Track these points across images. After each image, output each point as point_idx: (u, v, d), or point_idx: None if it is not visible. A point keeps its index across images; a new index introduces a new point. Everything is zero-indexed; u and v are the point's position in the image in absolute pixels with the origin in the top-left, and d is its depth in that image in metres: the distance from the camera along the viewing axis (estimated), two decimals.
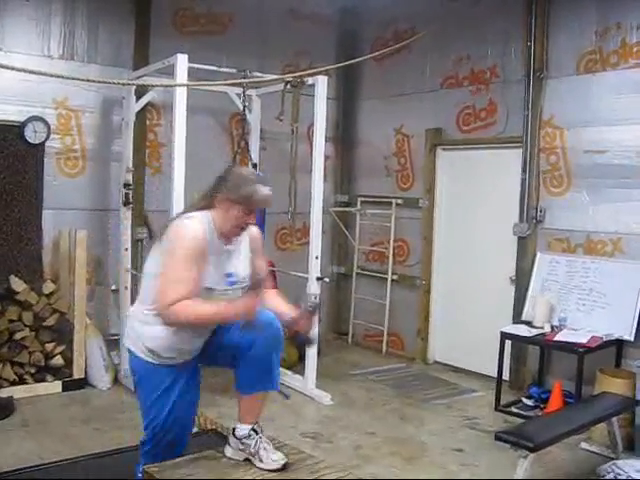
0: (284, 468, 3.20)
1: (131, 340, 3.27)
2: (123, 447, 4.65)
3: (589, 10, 5.88)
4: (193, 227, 3.06)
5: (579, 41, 5.95)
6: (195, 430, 5.09)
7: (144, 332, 3.18)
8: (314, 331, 3.43)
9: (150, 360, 3.19)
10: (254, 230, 3.39)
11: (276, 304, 3.44)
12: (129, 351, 3.30)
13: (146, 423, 3.38)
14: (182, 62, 5.28)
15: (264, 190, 3.15)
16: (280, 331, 3.30)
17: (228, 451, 3.32)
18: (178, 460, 3.28)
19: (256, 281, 3.06)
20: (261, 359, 3.24)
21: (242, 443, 3.25)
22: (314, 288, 6.03)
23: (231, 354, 3.23)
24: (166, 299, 2.95)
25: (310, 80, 6.02)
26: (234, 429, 3.31)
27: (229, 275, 3.18)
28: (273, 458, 3.22)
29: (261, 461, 3.21)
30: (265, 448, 3.24)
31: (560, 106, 6.09)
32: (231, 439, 3.31)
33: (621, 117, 5.66)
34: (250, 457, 3.25)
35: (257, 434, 3.26)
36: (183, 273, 2.97)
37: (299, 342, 3.46)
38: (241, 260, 3.28)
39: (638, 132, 5.56)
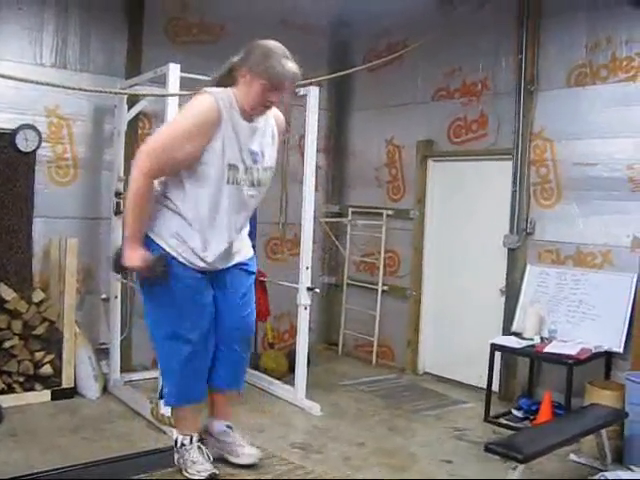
0: (258, 462, 3.26)
1: (155, 232, 3.05)
2: (112, 457, 4.61)
3: (580, 24, 5.92)
4: (205, 102, 2.91)
5: (570, 54, 5.99)
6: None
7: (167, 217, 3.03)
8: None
9: (175, 255, 3.02)
10: (278, 112, 3.23)
11: None
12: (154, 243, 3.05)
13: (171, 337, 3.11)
14: (174, 71, 5.28)
15: (290, 65, 2.96)
16: (252, 334, 3.36)
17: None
18: (166, 470, 3.26)
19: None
20: (240, 358, 3.31)
21: (219, 440, 3.29)
22: (305, 298, 6.02)
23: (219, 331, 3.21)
24: (145, 164, 2.86)
25: (302, 91, 6.04)
26: (207, 428, 3.34)
27: (254, 153, 3.03)
28: (248, 452, 3.26)
29: (237, 456, 3.25)
30: (240, 444, 3.28)
31: (550, 119, 6.13)
32: (207, 438, 3.32)
33: (611, 130, 5.71)
34: (226, 454, 3.28)
35: (232, 430, 3.31)
36: (176, 144, 2.86)
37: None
38: (268, 141, 3.13)
39: (627, 145, 5.61)
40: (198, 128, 2.87)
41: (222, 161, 2.93)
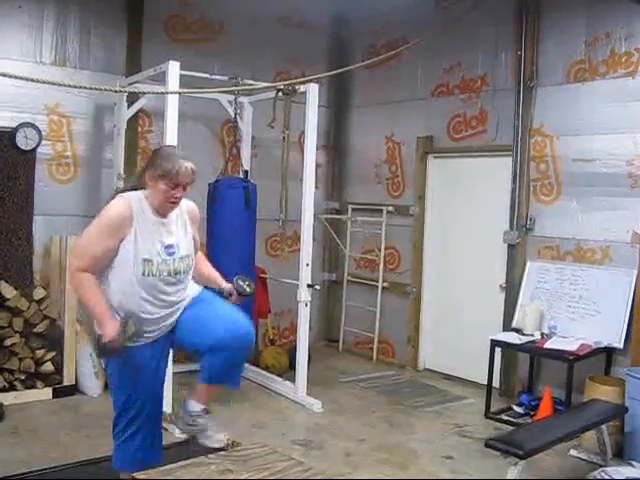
0: (226, 448, 3.49)
1: None
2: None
3: (579, 20, 5.93)
4: (117, 204, 3.31)
5: (569, 50, 6.00)
6: (184, 437, 5.10)
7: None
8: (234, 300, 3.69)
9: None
10: (191, 205, 3.60)
11: (207, 271, 3.78)
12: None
13: (121, 402, 3.51)
14: (174, 69, 5.29)
15: (184, 164, 3.32)
16: (252, 337, 3.51)
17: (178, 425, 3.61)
18: (167, 467, 3.28)
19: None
20: (234, 357, 3.43)
21: (193, 420, 3.50)
22: (305, 295, 6.03)
23: (204, 337, 3.41)
24: (72, 264, 3.32)
25: (302, 88, 6.04)
26: (185, 403, 3.56)
27: (169, 247, 3.37)
28: (218, 438, 3.52)
29: (207, 438, 3.51)
30: (212, 428, 3.54)
31: (550, 115, 6.13)
32: (182, 412, 3.56)
33: (610, 126, 5.71)
34: (197, 434, 3.52)
35: (207, 414, 3.54)
36: (93, 244, 3.27)
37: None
38: (181, 233, 3.46)
39: (627, 141, 5.61)
40: (111, 226, 3.27)
41: (136, 255, 3.28)
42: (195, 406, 3.51)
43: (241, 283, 3.69)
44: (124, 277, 3.30)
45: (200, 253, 3.79)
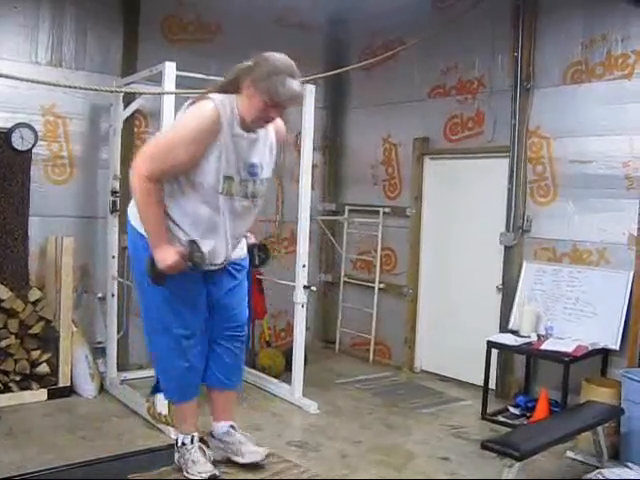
0: (266, 458, 3.25)
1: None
2: (109, 456, 4.61)
3: (575, 21, 5.93)
4: (209, 109, 2.87)
5: (565, 52, 6.00)
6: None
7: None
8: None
9: None
10: (279, 123, 3.20)
11: None
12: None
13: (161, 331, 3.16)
14: (170, 70, 5.27)
15: (293, 85, 2.90)
16: (242, 331, 3.38)
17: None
18: (162, 469, 3.27)
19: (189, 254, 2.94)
20: (234, 356, 3.33)
21: (222, 441, 3.29)
22: (301, 296, 6.02)
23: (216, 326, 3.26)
24: (143, 166, 2.87)
25: None
26: (211, 431, 3.36)
27: (252, 165, 3.03)
28: (252, 450, 3.27)
29: (241, 455, 3.25)
30: (243, 442, 3.29)
31: (547, 116, 6.13)
32: (211, 440, 3.34)
33: (606, 128, 5.71)
34: (231, 454, 3.28)
35: (236, 430, 3.32)
36: (174, 150, 2.86)
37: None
38: (266, 152, 3.12)
39: (623, 143, 5.61)
40: (198, 135, 2.85)
41: (218, 171, 2.93)
42: (219, 427, 3.33)
43: (255, 253, 3.40)
44: (200, 193, 2.95)
45: None
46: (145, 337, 3.27)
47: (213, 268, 3.14)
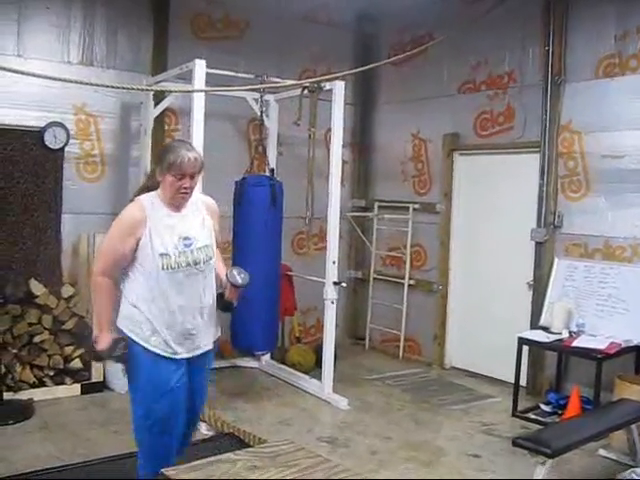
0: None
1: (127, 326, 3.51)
2: None
3: (608, 14, 5.85)
4: (130, 208, 3.47)
5: (598, 45, 5.92)
6: (212, 434, 5.14)
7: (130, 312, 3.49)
8: (234, 301, 3.71)
9: (150, 348, 3.44)
10: (209, 200, 3.73)
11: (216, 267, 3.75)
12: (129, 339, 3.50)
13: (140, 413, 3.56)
14: (200, 67, 5.32)
15: (187, 154, 3.40)
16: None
17: None
18: (195, 463, 3.29)
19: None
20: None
21: None
22: (331, 293, 6.03)
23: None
24: (95, 268, 3.50)
25: (327, 85, 6.04)
26: None
27: (186, 238, 3.46)
28: None
29: None
30: None
31: (578, 111, 6.06)
32: None
33: None
34: None
35: None
36: (111, 247, 3.44)
37: (220, 305, 3.70)
38: (197, 224, 3.54)
39: None
40: (125, 229, 3.40)
41: (152, 252, 3.38)
42: None
43: (235, 273, 3.62)
44: (147, 275, 3.41)
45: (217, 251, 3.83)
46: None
47: (198, 352, 3.58)
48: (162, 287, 3.41)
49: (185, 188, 3.43)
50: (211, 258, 3.57)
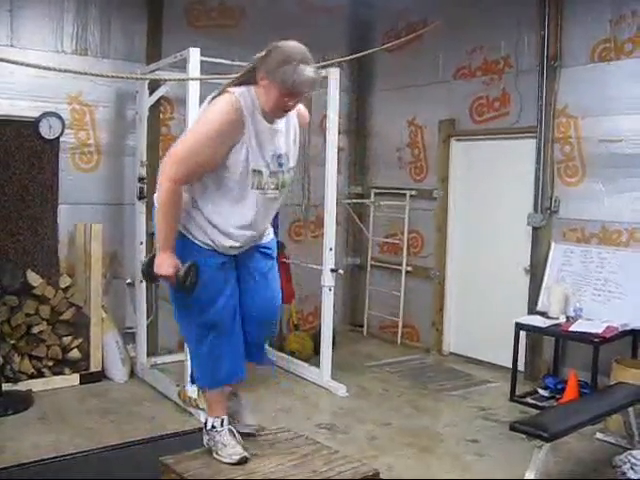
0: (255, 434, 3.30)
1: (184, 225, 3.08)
2: (140, 439, 4.70)
3: None
4: (229, 105, 2.89)
5: (593, 29, 5.90)
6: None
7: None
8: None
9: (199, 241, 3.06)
10: (301, 108, 3.23)
11: None
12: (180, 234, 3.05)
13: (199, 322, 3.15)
14: (195, 56, 5.29)
15: (306, 72, 2.88)
16: (274, 317, 3.43)
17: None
18: (194, 451, 3.30)
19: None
20: (258, 341, 3.43)
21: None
22: (328, 280, 6.04)
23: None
24: (168, 170, 2.88)
25: (323, 72, 6.01)
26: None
27: (279, 156, 3.04)
28: (248, 422, 3.36)
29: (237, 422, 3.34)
30: (242, 412, 3.36)
31: (574, 95, 6.05)
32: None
33: (636, 106, 5.62)
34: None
35: (236, 397, 3.37)
36: (199, 151, 2.86)
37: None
38: (290, 141, 3.12)
39: None
40: (222, 130, 2.86)
41: (246, 166, 2.94)
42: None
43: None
44: (230, 189, 2.97)
45: None
46: (178, 325, 3.29)
47: (243, 250, 3.16)
48: (245, 206, 3.00)
49: (292, 107, 2.97)
50: (293, 182, 3.23)
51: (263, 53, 2.98)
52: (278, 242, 3.52)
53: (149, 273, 3.03)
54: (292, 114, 3.11)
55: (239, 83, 2.99)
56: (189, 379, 3.64)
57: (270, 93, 2.89)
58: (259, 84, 2.93)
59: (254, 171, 2.95)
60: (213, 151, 2.86)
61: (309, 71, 2.88)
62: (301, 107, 3.21)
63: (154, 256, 3.00)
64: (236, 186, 2.96)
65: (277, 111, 2.96)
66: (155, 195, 2.99)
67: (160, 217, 2.95)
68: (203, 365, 3.26)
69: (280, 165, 3.04)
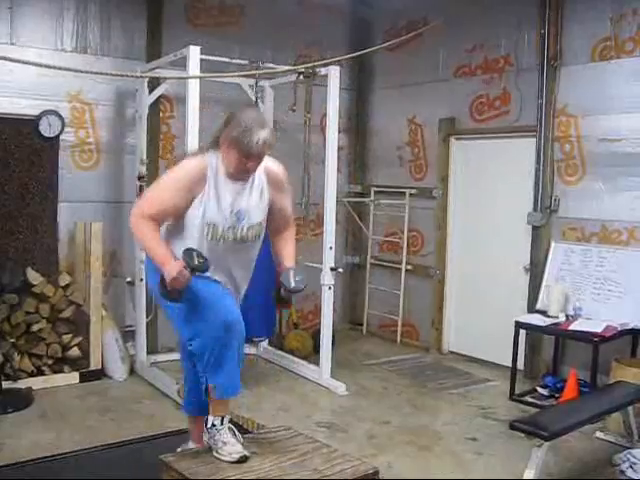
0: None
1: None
2: (139, 437, 4.70)
3: None
4: (195, 162, 3.27)
5: (594, 28, 5.90)
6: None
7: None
8: (289, 300, 3.68)
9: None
10: (274, 168, 3.47)
11: (280, 248, 3.69)
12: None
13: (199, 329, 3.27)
14: (194, 54, 5.29)
15: (261, 136, 3.17)
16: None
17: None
18: (194, 450, 3.31)
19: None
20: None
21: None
22: (328, 278, 6.04)
23: None
24: (139, 209, 3.25)
25: (323, 70, 6.02)
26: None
27: (238, 212, 3.31)
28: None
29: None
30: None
31: (574, 94, 6.05)
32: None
33: (637, 105, 5.62)
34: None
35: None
36: (164, 195, 3.24)
37: (277, 299, 3.63)
38: (254, 198, 3.37)
39: None
40: (185, 183, 3.22)
41: (203, 218, 3.24)
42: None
43: (289, 276, 3.47)
44: (190, 237, 3.28)
45: (290, 227, 3.75)
46: (193, 342, 3.32)
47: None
48: (204, 252, 3.23)
49: (249, 168, 3.26)
50: (259, 238, 3.46)
51: (223, 121, 3.33)
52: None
53: (168, 291, 3.16)
54: (259, 174, 3.38)
55: (208, 148, 3.37)
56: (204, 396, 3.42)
57: (231, 157, 3.22)
58: (222, 148, 3.27)
59: (208, 224, 3.25)
60: (175, 198, 3.21)
61: (263, 135, 3.17)
62: (269, 164, 3.44)
63: (162, 277, 3.15)
64: (195, 234, 3.27)
65: (239, 172, 3.26)
66: (134, 237, 3.40)
67: (146, 245, 3.28)
68: (232, 371, 3.28)
69: (239, 220, 3.31)
